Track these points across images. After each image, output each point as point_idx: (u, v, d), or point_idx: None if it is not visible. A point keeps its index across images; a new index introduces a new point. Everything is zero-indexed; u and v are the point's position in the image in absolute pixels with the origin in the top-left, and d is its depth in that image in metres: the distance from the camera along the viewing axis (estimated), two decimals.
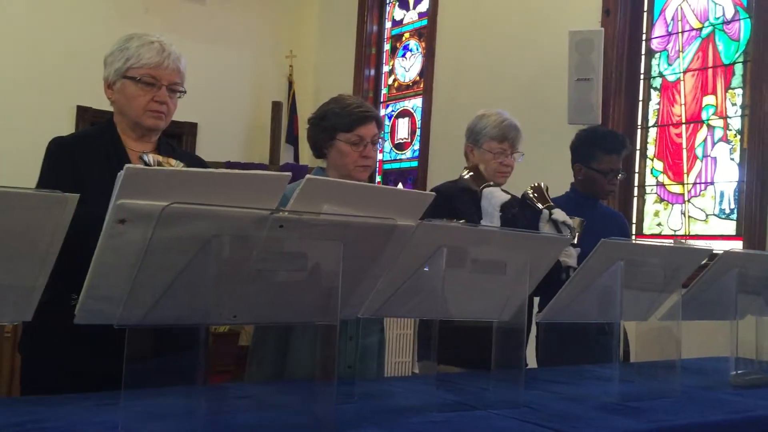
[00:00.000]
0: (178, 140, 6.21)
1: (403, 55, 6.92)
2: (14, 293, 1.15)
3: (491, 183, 2.35)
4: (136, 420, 1.23)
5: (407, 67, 6.88)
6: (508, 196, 2.30)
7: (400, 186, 6.64)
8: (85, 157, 1.82)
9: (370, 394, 1.63)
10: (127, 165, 1.09)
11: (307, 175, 1.28)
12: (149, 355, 1.28)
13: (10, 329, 3.35)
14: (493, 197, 2.28)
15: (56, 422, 1.25)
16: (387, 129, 6.81)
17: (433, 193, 1.40)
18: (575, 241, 2.28)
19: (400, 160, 6.77)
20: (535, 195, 2.36)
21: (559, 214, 2.27)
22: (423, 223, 1.38)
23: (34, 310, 1.18)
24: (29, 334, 1.74)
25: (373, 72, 7.11)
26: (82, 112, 6.09)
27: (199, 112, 6.10)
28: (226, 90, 6.77)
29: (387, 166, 6.88)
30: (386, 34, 7.09)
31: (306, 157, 7.06)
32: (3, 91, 5.80)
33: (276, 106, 6.91)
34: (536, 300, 2.31)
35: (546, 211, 2.29)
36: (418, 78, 6.70)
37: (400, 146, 6.79)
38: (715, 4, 4.60)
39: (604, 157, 2.80)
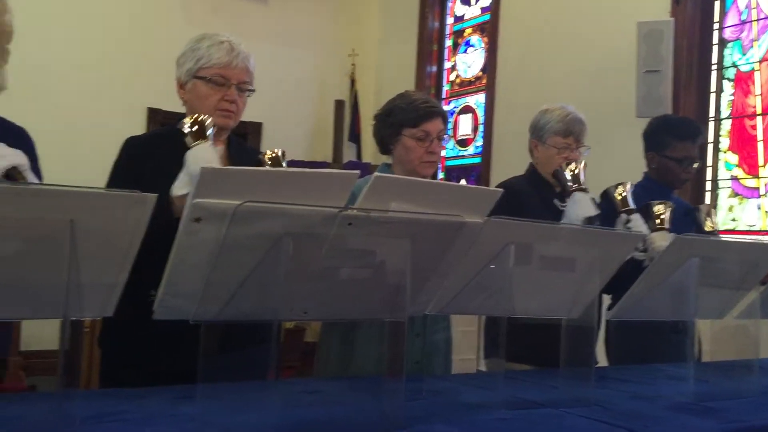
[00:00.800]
0: (242, 140, 6.34)
1: (465, 51, 6.89)
2: (97, 289, 1.20)
3: (585, 187, 2.23)
4: (213, 413, 1.27)
5: (469, 63, 6.83)
6: (596, 212, 2.17)
7: (463, 182, 6.61)
8: (156, 156, 1.87)
9: (437, 390, 1.63)
10: (202, 166, 1.12)
11: (375, 173, 1.30)
12: (223, 350, 1.31)
13: (88, 324, 3.49)
14: (581, 207, 2.16)
15: (135, 414, 1.29)
16: (449, 125, 6.78)
17: (501, 189, 1.40)
18: (667, 226, 2.20)
19: (463, 156, 6.74)
20: (622, 197, 2.27)
21: (636, 222, 2.18)
22: (491, 219, 1.38)
23: (115, 305, 1.23)
24: (109, 329, 1.81)
25: (434, 68, 7.09)
26: (153, 113, 6.27)
27: (263, 112, 6.21)
28: (290, 89, 6.86)
29: (450, 163, 6.86)
30: (448, 30, 7.06)
31: (368, 154, 7.11)
32: (78, 94, 6.01)
33: (339, 105, 6.98)
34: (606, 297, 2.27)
35: (624, 215, 2.22)
36: (480, 73, 6.66)
37: (463, 142, 6.76)
38: None
39: (678, 144, 2.72)
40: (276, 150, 1.83)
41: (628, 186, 2.30)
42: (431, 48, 7.09)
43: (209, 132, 1.71)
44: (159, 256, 1.23)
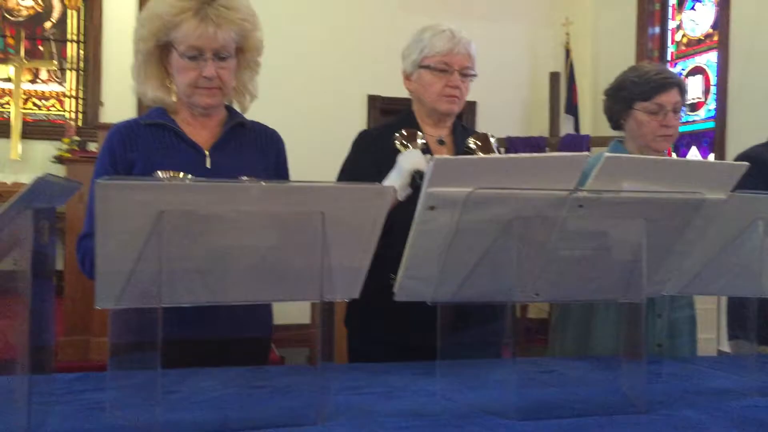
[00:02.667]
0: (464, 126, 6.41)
1: (692, 8, 6.37)
2: (344, 274, 1.31)
3: None
4: (452, 389, 1.34)
5: (697, 20, 6.31)
6: None
7: (694, 150, 6.15)
8: (386, 147, 1.97)
9: (676, 374, 1.57)
10: (435, 156, 1.18)
11: (605, 153, 1.27)
12: (460, 329, 1.37)
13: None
14: None
15: (380, 387, 1.40)
16: None
17: (746, 163, 1.30)
18: None
19: (694, 122, 6.27)
20: None
21: None
22: (736, 195, 1.29)
23: (361, 288, 1.33)
24: (354, 310, 1.96)
25: (657, 30, 6.64)
26: (372, 100, 6.57)
27: (477, 91, 6.16)
28: (503, 65, 6.81)
29: (679, 129, 6.41)
30: None
31: (587, 126, 6.86)
32: (301, 84, 6.42)
33: (554, 77, 6.80)
34: None
35: None
36: (710, 31, 6.12)
37: (693, 106, 6.28)
38: None
39: None
40: (484, 132, 1.91)
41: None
42: (653, 8, 6.64)
43: (419, 141, 1.86)
44: (398, 242, 1.31)
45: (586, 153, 1.25)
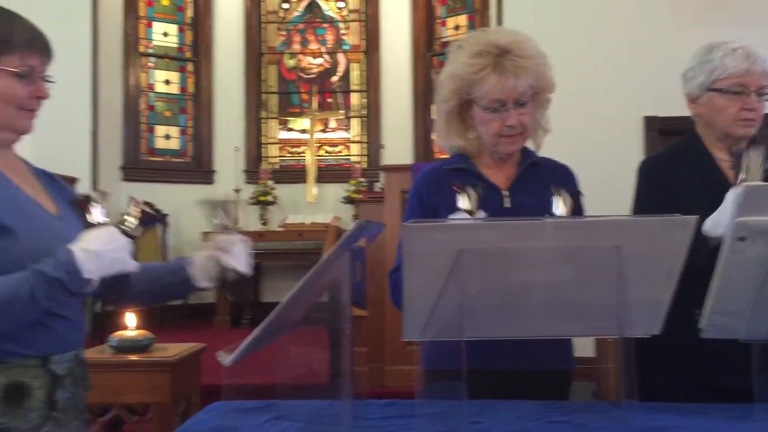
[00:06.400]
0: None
1: None
2: (644, 309, 1.27)
3: None
4: None
5: None
6: None
7: None
8: (674, 174, 1.88)
9: None
10: (745, 184, 1.11)
11: None
12: None
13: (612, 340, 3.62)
14: None
15: (688, 430, 1.32)
16: None
17: None
18: None
19: None
20: None
21: None
22: None
23: (662, 323, 1.28)
24: (651, 346, 1.87)
25: None
26: (649, 121, 6.25)
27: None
28: None
29: None
30: None
31: None
32: (575, 108, 6.26)
33: None
34: None
35: None
36: None
37: None
38: None
39: None
40: None
41: None
42: None
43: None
44: (698, 275, 1.25)
45: None
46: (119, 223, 1.33)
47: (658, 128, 6.11)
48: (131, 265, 1.32)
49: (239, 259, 1.51)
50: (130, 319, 2.90)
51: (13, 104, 1.34)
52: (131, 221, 1.35)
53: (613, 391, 3.47)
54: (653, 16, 6.40)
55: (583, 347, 4.51)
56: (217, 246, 1.51)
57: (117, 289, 1.39)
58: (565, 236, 1.24)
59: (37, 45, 1.36)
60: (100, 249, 1.25)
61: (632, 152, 5.58)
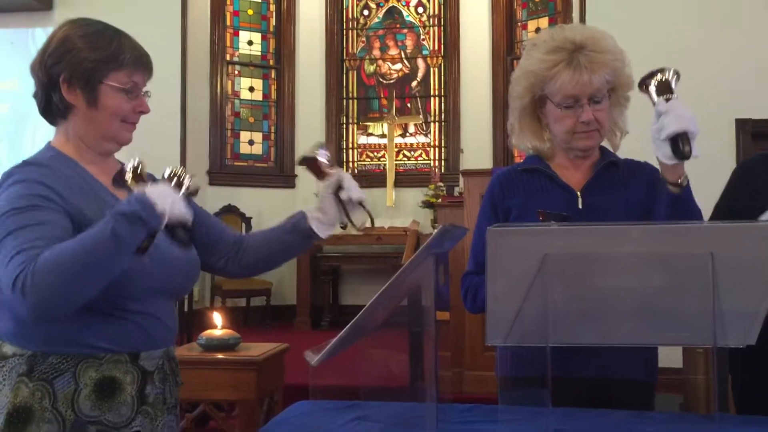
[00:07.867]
0: None
1: None
2: (738, 318, 1.23)
3: None
4: None
5: None
6: None
7: None
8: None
9: None
10: None
11: None
12: None
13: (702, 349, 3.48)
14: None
15: None
16: None
17: None
18: None
19: None
20: None
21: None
22: None
23: (758, 333, 1.24)
24: (748, 357, 1.80)
25: None
26: (741, 124, 6.00)
27: None
28: None
29: None
30: None
31: None
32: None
33: None
34: None
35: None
36: None
37: None
38: None
39: None
40: None
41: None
42: None
43: None
44: None
45: None
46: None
47: (750, 131, 5.86)
48: (189, 214, 1.32)
49: (354, 189, 1.53)
50: (217, 318, 3.00)
51: (118, 118, 1.42)
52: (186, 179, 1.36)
53: (703, 404, 3.34)
54: (745, 16, 6.16)
55: (669, 357, 4.38)
56: (330, 184, 1.54)
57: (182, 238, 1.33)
58: (654, 242, 1.22)
59: (141, 63, 1.43)
60: (163, 190, 1.28)
61: (723, 156, 5.38)
